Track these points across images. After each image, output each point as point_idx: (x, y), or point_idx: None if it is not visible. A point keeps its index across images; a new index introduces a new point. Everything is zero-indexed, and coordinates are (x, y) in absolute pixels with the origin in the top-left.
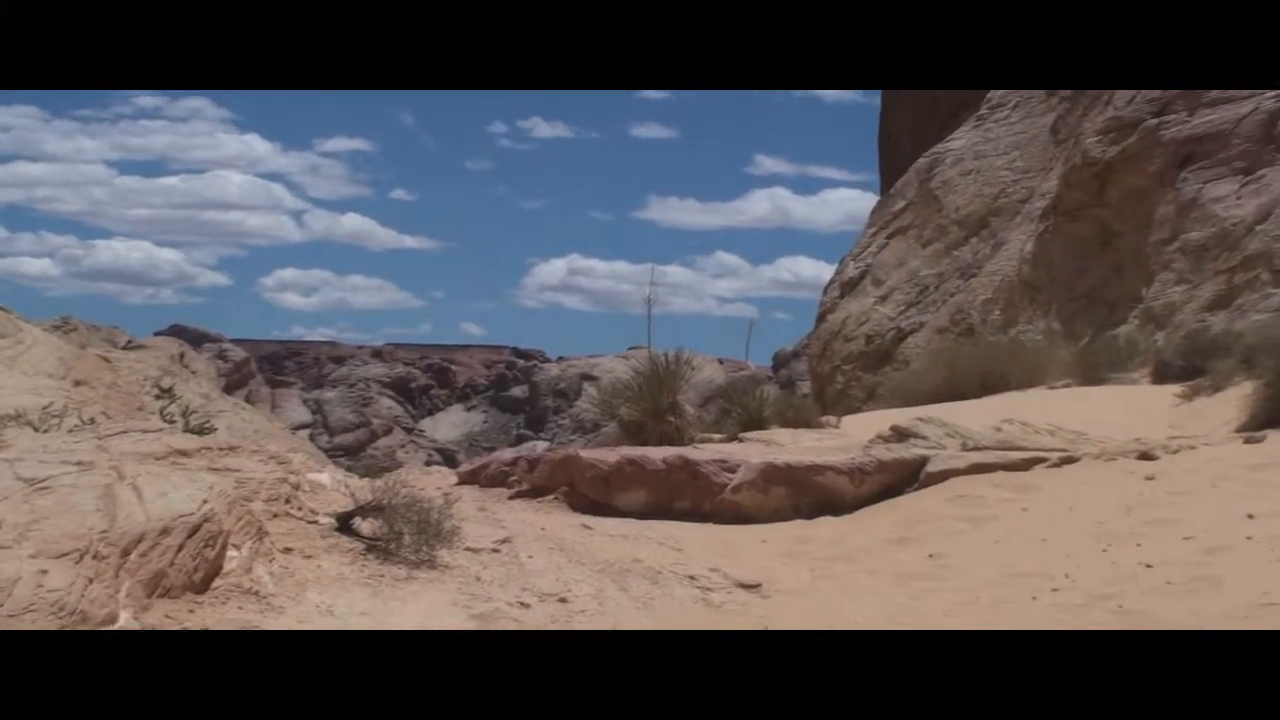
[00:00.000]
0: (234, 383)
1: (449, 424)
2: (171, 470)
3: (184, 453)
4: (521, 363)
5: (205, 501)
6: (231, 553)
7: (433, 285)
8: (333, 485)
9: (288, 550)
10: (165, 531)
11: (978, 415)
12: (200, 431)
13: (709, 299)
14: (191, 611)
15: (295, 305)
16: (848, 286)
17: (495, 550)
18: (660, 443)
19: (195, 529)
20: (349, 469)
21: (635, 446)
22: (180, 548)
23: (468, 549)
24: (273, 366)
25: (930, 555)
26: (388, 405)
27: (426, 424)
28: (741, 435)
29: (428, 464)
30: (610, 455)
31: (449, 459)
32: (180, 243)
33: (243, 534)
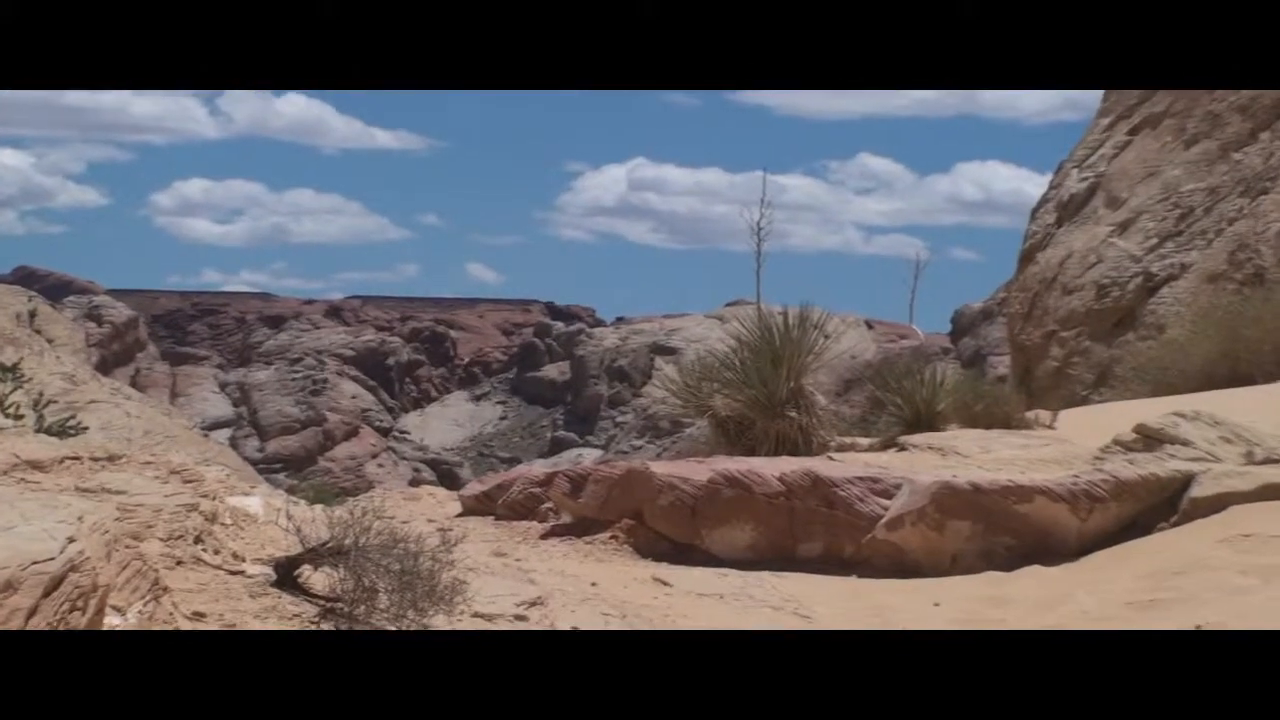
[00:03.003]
0: (114, 356)
1: (447, 422)
2: (19, 492)
3: (38, 465)
4: (559, 327)
5: (72, 540)
6: (113, 620)
7: (422, 206)
8: (268, 516)
9: (198, 616)
10: (9, 587)
11: (1272, 410)
12: (62, 432)
13: (850, 228)
14: None
15: (207, 236)
16: (1068, 209)
17: (520, 618)
18: (776, 451)
19: (57, 582)
20: (292, 491)
21: (738, 457)
22: (33, 611)
23: (477, 615)
24: (173, 332)
25: (1198, 626)
26: (352, 393)
27: (412, 422)
28: (902, 440)
29: (414, 483)
30: (699, 471)
31: (447, 476)
32: (28, 140)
33: (130, 590)
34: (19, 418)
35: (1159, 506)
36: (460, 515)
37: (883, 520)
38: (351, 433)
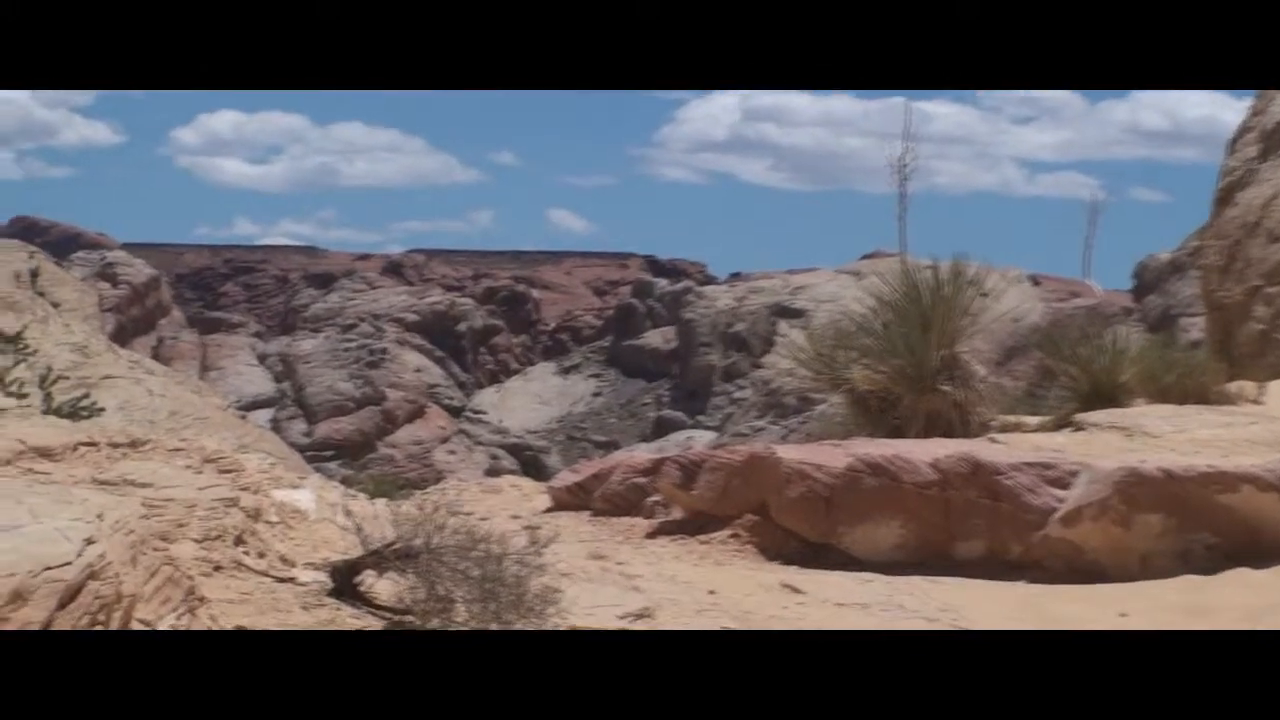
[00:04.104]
0: (133, 323)
1: (530, 399)
2: (26, 485)
3: (47, 452)
4: (663, 285)
5: (91, 542)
6: None
7: (495, 142)
8: (320, 513)
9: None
10: (17, 598)
11: None
12: (74, 414)
13: (1009, 164)
14: None
15: (241, 181)
16: (1274, 139)
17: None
18: (928, 432)
19: (74, 591)
20: (347, 482)
21: (881, 440)
22: (47, 625)
23: (573, 629)
24: (203, 294)
25: None
26: (416, 365)
27: (488, 400)
28: (1078, 418)
29: (492, 473)
30: (835, 456)
31: (531, 464)
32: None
33: (159, 601)
34: (23, 396)
35: None
36: (549, 510)
37: (1057, 514)
38: (416, 413)
